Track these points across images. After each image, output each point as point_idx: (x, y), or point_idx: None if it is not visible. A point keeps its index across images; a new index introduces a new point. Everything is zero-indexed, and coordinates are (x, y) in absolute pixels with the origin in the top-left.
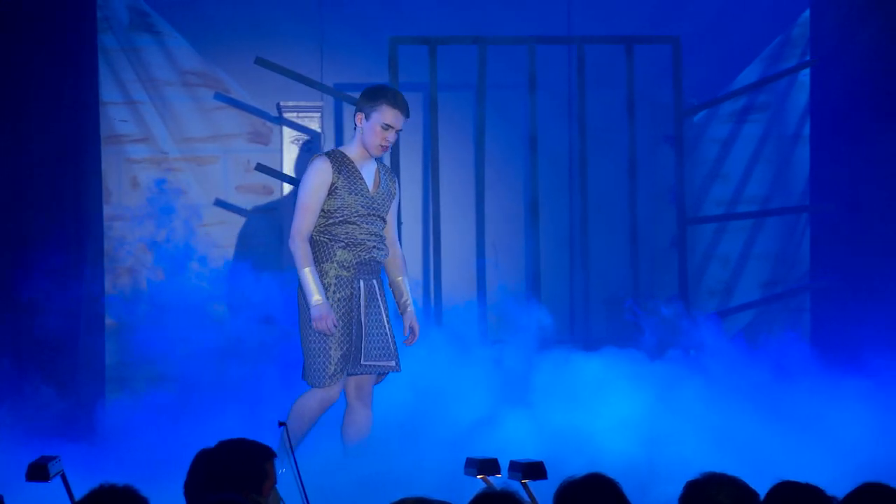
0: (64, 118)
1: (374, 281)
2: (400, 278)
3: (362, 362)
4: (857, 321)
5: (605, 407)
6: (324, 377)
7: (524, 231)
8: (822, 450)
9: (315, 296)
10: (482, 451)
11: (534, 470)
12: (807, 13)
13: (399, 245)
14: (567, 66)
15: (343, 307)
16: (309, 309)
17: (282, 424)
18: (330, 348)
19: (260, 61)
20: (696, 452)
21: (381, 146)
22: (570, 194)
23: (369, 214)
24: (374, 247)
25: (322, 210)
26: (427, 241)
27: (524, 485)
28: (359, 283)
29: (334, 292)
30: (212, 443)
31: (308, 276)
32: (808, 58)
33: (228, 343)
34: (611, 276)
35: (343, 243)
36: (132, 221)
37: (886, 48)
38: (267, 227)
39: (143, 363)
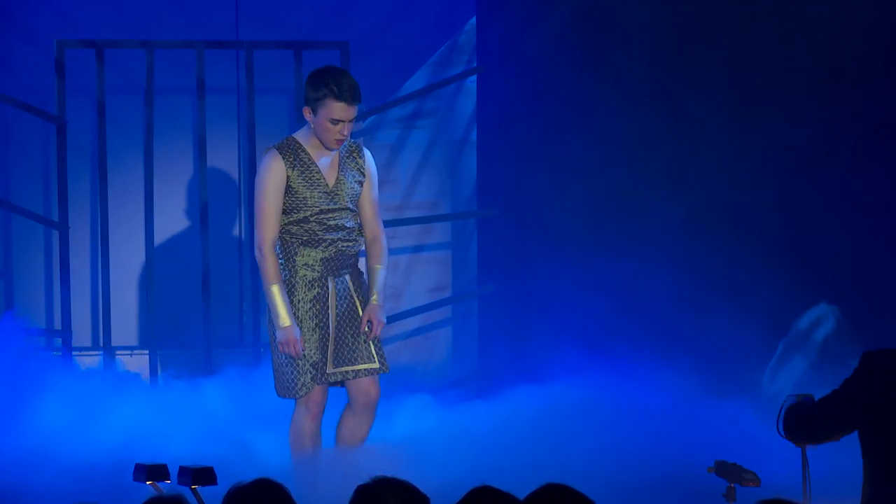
0: None
1: (348, 276)
2: (377, 267)
3: (328, 371)
4: (521, 325)
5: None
6: (295, 388)
7: (197, 235)
8: (499, 455)
9: (282, 319)
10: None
11: (204, 475)
12: (473, 20)
13: (380, 229)
14: (236, 70)
15: (311, 309)
16: (275, 330)
17: None
18: (299, 358)
19: None
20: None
21: (337, 140)
22: (239, 199)
23: (332, 209)
24: (341, 239)
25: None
26: (95, 247)
27: (194, 490)
28: (328, 281)
29: (303, 293)
30: None
31: (275, 294)
32: (474, 64)
33: None
34: None
35: (304, 240)
36: None
37: (550, 57)
38: None
39: None
